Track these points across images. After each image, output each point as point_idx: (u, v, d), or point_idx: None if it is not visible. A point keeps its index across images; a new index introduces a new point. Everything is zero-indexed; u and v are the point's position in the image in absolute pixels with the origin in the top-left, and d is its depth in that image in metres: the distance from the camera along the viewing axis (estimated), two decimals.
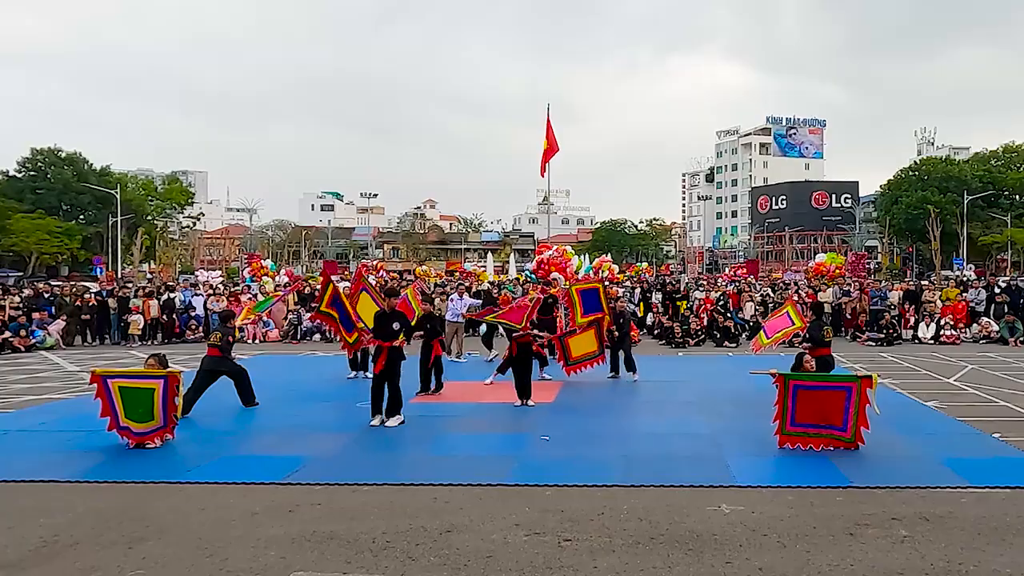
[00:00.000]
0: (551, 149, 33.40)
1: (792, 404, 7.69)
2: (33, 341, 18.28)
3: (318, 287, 24.90)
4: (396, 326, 9.26)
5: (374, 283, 18.23)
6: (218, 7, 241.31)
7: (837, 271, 26.29)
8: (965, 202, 58.00)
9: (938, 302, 20.25)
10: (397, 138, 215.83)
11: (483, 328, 17.75)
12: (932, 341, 18.79)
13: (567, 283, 13.06)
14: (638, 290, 24.27)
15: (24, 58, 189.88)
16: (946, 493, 6.28)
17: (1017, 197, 64.96)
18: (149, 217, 63.58)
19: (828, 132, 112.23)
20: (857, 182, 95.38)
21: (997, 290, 20.28)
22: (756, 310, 20.38)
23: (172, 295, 21.58)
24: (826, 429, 7.70)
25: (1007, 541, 5.21)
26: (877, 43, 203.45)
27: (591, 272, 30.52)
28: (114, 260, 52.15)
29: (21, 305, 19.47)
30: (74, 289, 22.23)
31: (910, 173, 69.74)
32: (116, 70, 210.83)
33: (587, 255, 45.65)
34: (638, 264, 49.67)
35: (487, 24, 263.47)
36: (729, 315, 19.99)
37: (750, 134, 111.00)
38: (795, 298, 18.80)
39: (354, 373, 13.13)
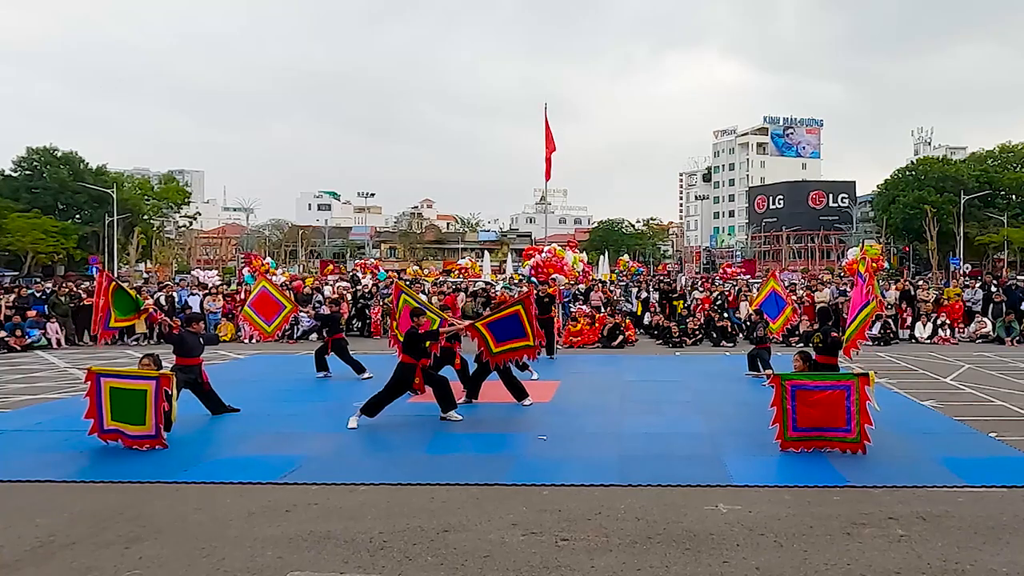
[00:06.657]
0: (550, 148, 33.59)
1: (792, 408, 7.47)
2: (29, 340, 18.24)
3: (313, 286, 25.07)
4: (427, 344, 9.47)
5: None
6: (216, 5, 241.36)
7: (876, 265, 24.34)
8: (962, 202, 58.13)
9: (934, 300, 20.27)
10: (395, 138, 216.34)
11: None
12: (929, 340, 18.86)
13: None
14: (635, 289, 24.29)
15: (20, 56, 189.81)
16: (943, 492, 6.29)
17: (1013, 197, 65.20)
18: (145, 216, 63.47)
19: (825, 132, 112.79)
20: (854, 182, 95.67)
21: (995, 290, 20.31)
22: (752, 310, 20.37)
23: (156, 294, 21.49)
24: (830, 432, 7.47)
25: (1004, 540, 5.22)
26: (876, 42, 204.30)
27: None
28: (110, 260, 52.06)
29: (12, 304, 19.39)
30: (69, 289, 22.14)
31: (907, 173, 69.97)
32: (113, 68, 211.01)
33: (584, 255, 45.37)
34: (623, 259, 49.12)
35: (485, 23, 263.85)
36: (726, 315, 20.03)
37: (747, 134, 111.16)
38: (793, 298, 18.73)
39: (322, 374, 13.12)
